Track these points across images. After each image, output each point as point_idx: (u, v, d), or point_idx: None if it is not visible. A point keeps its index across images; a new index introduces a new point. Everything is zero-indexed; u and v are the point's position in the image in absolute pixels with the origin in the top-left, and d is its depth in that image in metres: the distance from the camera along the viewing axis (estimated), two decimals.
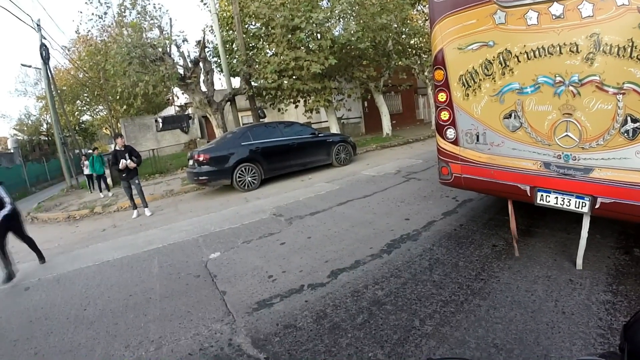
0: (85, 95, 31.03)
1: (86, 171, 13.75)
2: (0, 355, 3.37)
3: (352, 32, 12.66)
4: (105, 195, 12.38)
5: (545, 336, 2.62)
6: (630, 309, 2.80)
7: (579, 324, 2.71)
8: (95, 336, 3.45)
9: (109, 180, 13.70)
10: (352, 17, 13.98)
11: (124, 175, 8.31)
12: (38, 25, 15.01)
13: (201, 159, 9.37)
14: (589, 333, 2.59)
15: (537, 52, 3.17)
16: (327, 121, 16.48)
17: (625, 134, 2.82)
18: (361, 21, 13.49)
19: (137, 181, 8.44)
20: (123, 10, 12.89)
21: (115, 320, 3.69)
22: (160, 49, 12.17)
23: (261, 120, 14.66)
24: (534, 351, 2.48)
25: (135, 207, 8.75)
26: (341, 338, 2.87)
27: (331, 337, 2.90)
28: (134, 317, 3.69)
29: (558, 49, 3.03)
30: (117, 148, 8.30)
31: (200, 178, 9.50)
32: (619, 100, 2.79)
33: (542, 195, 3.42)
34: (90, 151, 15.22)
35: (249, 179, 9.57)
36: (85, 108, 34.00)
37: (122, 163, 8.02)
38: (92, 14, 15.01)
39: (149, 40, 12.35)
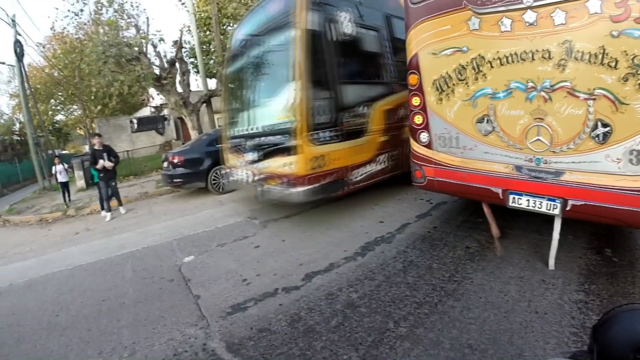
0: (60, 94, 29.99)
1: (60, 178, 10.70)
2: None
3: None
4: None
5: (519, 336, 2.65)
6: (602, 307, 2.86)
7: (552, 323, 2.75)
8: (68, 343, 3.35)
9: (82, 183, 13.03)
10: None
11: (101, 175, 8.17)
12: (13, 20, 14.51)
13: (175, 161, 9.25)
14: (562, 332, 2.64)
15: (510, 58, 3.23)
16: None
17: (596, 138, 2.89)
18: None
19: (113, 183, 8.30)
20: (100, 7, 12.66)
21: (89, 326, 3.58)
22: (136, 48, 11.97)
23: None
24: (508, 351, 2.51)
25: (109, 209, 8.55)
26: (315, 341, 2.85)
27: (305, 341, 2.87)
28: (107, 323, 3.60)
29: (531, 55, 3.09)
30: (96, 148, 8.13)
31: (175, 180, 9.36)
32: (589, 106, 2.86)
33: (514, 197, 3.48)
34: (65, 151, 14.49)
35: (224, 181, 9.46)
36: (59, 107, 32.86)
37: (100, 163, 7.90)
38: (69, 10, 14.61)
39: (125, 39, 12.12)
